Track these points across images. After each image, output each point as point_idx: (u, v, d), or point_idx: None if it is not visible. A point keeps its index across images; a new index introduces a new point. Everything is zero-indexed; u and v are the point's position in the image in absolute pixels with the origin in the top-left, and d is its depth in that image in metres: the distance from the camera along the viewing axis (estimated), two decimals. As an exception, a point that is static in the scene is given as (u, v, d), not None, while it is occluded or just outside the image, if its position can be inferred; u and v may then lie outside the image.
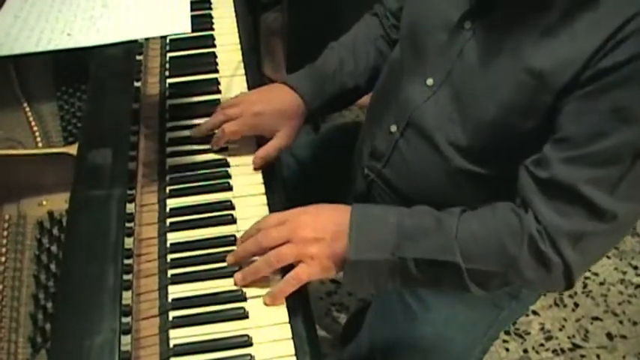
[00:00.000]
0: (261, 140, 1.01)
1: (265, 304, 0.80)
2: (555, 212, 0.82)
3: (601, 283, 1.95)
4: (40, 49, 0.84)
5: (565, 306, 1.89)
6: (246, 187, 0.95)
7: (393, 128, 1.01)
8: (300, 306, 0.81)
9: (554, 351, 1.79)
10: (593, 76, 0.78)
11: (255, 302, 0.81)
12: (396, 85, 1.02)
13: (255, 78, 1.13)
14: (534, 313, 1.86)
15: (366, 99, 1.17)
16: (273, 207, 0.92)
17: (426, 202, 0.95)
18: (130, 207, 0.82)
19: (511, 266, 0.84)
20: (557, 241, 0.82)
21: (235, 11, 1.25)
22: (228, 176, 0.96)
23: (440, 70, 0.94)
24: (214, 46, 1.17)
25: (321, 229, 0.84)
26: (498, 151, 0.89)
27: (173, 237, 0.87)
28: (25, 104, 0.99)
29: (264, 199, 0.93)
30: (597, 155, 0.79)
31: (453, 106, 0.93)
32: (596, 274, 1.97)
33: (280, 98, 1.04)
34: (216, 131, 0.99)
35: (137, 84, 1.03)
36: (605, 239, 0.86)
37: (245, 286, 0.82)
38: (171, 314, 0.79)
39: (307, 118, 1.06)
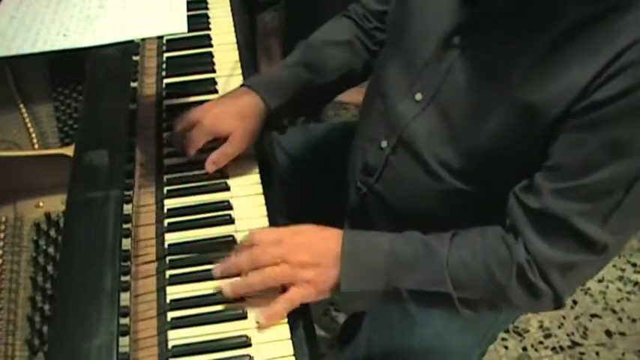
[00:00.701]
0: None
1: (257, 323, 0.78)
2: (545, 243, 0.81)
3: (600, 281, 1.95)
4: (37, 50, 0.83)
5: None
6: (244, 187, 0.94)
7: (384, 144, 0.98)
8: (299, 306, 0.81)
9: (553, 349, 1.79)
10: (588, 108, 0.75)
11: (253, 302, 0.81)
12: (385, 98, 0.99)
13: (252, 78, 1.13)
14: (532, 311, 1.86)
15: (361, 98, 1.16)
16: (270, 206, 0.92)
17: (418, 219, 0.94)
18: (127, 208, 0.82)
19: (500, 294, 0.83)
20: (546, 271, 0.81)
21: (232, 11, 1.25)
22: (226, 176, 0.95)
23: (429, 86, 0.91)
24: (211, 45, 1.17)
25: (318, 255, 0.83)
26: (488, 173, 0.87)
27: (171, 238, 0.87)
28: (22, 105, 0.99)
29: (261, 198, 0.93)
30: (590, 188, 0.77)
31: (442, 125, 0.90)
32: (594, 272, 1.97)
33: (239, 98, 1.00)
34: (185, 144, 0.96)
35: (134, 84, 1.03)
36: (594, 267, 0.86)
37: (236, 300, 0.80)
38: (170, 315, 0.79)
39: (271, 121, 1.02)
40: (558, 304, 0.85)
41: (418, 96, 0.93)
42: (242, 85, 1.04)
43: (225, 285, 0.80)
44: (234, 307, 0.80)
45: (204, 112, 0.97)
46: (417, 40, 0.93)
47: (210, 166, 0.94)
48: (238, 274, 0.82)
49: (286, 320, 0.79)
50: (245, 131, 0.96)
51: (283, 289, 0.82)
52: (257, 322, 0.78)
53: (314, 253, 0.83)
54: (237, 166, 0.97)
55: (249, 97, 1.00)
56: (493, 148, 0.85)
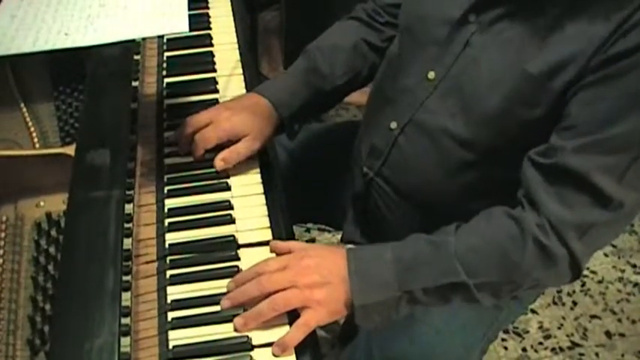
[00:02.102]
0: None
1: (274, 355, 0.76)
2: (560, 203, 0.81)
3: (599, 282, 1.95)
4: (37, 49, 0.83)
5: (563, 304, 1.89)
6: (245, 187, 0.94)
7: (393, 125, 1.00)
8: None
9: (552, 349, 1.79)
10: (604, 63, 0.77)
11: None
12: (395, 81, 1.01)
13: (253, 77, 1.13)
14: (533, 311, 1.86)
15: (362, 98, 1.16)
16: (271, 206, 0.92)
17: (425, 201, 0.96)
18: (128, 207, 0.82)
19: (516, 270, 0.83)
20: (563, 233, 0.81)
21: (233, 10, 1.25)
22: (227, 176, 0.95)
23: (442, 63, 0.93)
24: (212, 45, 1.17)
25: (327, 274, 0.82)
26: (501, 146, 0.89)
27: (172, 237, 0.87)
28: (22, 105, 0.99)
29: (262, 198, 0.93)
30: (608, 142, 0.78)
31: (454, 99, 0.92)
32: (594, 273, 1.97)
33: (253, 107, 1.01)
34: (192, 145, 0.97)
35: (135, 84, 1.03)
36: (610, 229, 0.85)
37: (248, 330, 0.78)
38: (171, 315, 0.79)
39: (281, 126, 1.04)
40: (576, 271, 0.85)
41: (431, 74, 0.94)
42: (253, 91, 1.04)
43: (237, 320, 0.78)
44: (235, 308, 0.80)
45: (217, 113, 0.98)
46: (429, 22, 0.95)
47: (219, 163, 0.94)
48: (244, 305, 0.80)
49: (287, 321, 0.79)
50: (259, 134, 0.98)
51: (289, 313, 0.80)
52: (273, 353, 0.76)
53: (322, 272, 0.82)
54: (237, 166, 0.96)
55: (262, 104, 1.02)
56: (506, 113, 0.86)
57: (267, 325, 0.78)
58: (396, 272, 0.83)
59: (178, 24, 0.86)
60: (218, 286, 0.82)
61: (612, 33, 0.77)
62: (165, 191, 0.92)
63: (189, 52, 1.16)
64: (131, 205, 0.84)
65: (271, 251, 0.86)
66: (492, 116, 0.88)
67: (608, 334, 1.83)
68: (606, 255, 2.01)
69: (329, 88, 1.10)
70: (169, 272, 0.83)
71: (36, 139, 0.95)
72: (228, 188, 0.94)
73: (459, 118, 0.92)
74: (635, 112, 0.77)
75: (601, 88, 0.78)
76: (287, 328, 0.78)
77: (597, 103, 0.79)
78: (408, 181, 1.01)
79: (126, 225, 0.80)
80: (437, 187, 0.97)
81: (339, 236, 1.31)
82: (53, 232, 0.85)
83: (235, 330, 0.78)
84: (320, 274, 0.82)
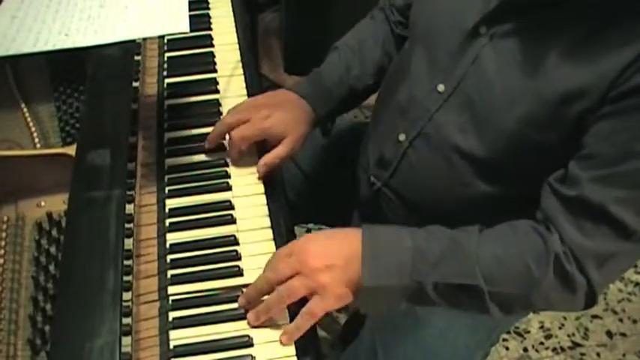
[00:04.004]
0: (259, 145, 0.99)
1: (282, 344, 0.77)
2: (580, 232, 0.80)
3: (600, 281, 1.95)
4: (38, 49, 0.83)
5: (565, 304, 1.89)
6: (246, 187, 0.94)
7: (402, 137, 0.98)
8: (300, 306, 0.81)
9: (554, 349, 1.79)
10: (623, 95, 0.76)
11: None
12: (404, 91, 0.99)
13: (254, 77, 1.13)
14: (534, 311, 1.86)
15: (369, 99, 1.16)
16: (272, 206, 0.92)
17: (435, 213, 0.93)
18: (129, 208, 0.82)
19: (535, 288, 0.82)
20: (583, 262, 0.80)
21: (233, 11, 1.25)
22: (228, 176, 0.95)
23: (452, 77, 0.91)
24: (212, 45, 1.17)
25: (332, 256, 0.80)
26: (513, 164, 0.87)
27: (172, 237, 0.87)
28: (23, 105, 0.99)
29: (263, 198, 0.93)
30: (628, 175, 0.77)
31: (466, 116, 0.90)
32: (595, 272, 1.97)
33: (289, 104, 1.01)
34: (225, 142, 0.97)
35: (135, 84, 1.03)
36: (628, 259, 0.85)
37: (259, 325, 0.78)
38: (172, 315, 0.79)
39: (315, 124, 1.05)
40: (592, 300, 0.84)
41: (440, 87, 0.92)
42: (289, 89, 1.05)
43: (249, 316, 0.78)
44: (235, 307, 0.80)
45: (255, 110, 0.97)
46: (441, 32, 0.93)
47: (262, 168, 0.94)
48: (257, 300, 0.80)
49: (288, 321, 0.79)
50: (297, 135, 0.98)
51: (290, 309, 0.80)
52: (281, 342, 0.77)
53: (327, 255, 0.80)
54: (239, 165, 0.97)
55: (299, 104, 1.02)
56: (519, 134, 0.85)
57: (268, 323, 0.78)
58: (413, 260, 0.81)
59: (179, 24, 0.86)
60: (219, 285, 0.82)
61: (632, 63, 0.75)
62: (166, 191, 0.93)
63: (190, 52, 1.16)
64: (132, 205, 0.84)
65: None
66: (504, 136, 0.86)
67: (609, 333, 1.83)
68: (607, 255, 2.01)
69: (360, 88, 1.10)
70: (170, 272, 0.83)
71: (37, 140, 0.95)
72: (229, 188, 0.94)
73: (470, 135, 0.90)
74: None
75: (620, 121, 0.77)
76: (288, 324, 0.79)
77: (616, 135, 0.77)
78: (416, 194, 0.99)
79: (127, 225, 0.80)
80: (446, 201, 0.95)
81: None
82: (54, 232, 0.85)
83: (248, 324, 0.78)
84: (323, 256, 0.80)
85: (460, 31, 0.89)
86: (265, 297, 0.79)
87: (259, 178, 0.94)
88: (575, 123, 0.80)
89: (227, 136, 0.97)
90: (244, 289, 0.81)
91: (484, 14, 0.87)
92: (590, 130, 0.79)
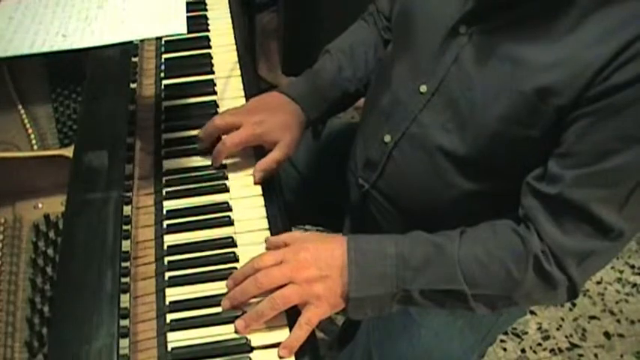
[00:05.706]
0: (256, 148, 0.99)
1: (280, 357, 0.76)
2: (560, 230, 0.81)
3: (598, 282, 1.96)
4: (35, 50, 0.83)
5: (562, 305, 1.89)
6: (243, 189, 0.94)
7: (387, 138, 0.98)
8: (298, 308, 0.81)
9: (551, 350, 1.79)
10: (602, 95, 0.76)
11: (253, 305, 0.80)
12: (388, 93, 1.00)
13: (251, 79, 1.13)
14: (532, 312, 1.86)
15: (361, 100, 1.16)
16: (270, 208, 0.92)
17: (423, 214, 0.95)
18: (126, 209, 0.82)
19: (516, 289, 0.83)
20: (562, 260, 0.81)
21: (231, 12, 1.25)
22: (225, 178, 0.95)
23: (434, 77, 0.91)
24: (210, 47, 1.17)
25: (325, 267, 0.81)
26: (497, 162, 0.88)
27: (170, 239, 0.87)
28: (20, 106, 0.99)
29: (261, 200, 0.93)
30: (607, 174, 0.78)
31: (449, 115, 0.90)
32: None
33: (281, 108, 1.01)
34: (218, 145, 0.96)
35: (133, 85, 1.02)
36: (608, 255, 0.86)
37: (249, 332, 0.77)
38: (169, 317, 0.79)
39: (306, 126, 1.05)
40: (574, 294, 0.85)
41: (423, 88, 0.93)
42: (277, 91, 1.05)
43: (238, 323, 0.77)
44: (234, 309, 0.80)
45: (248, 115, 0.97)
46: (421, 33, 0.94)
47: (258, 174, 0.94)
48: (244, 304, 0.79)
49: (286, 322, 0.79)
50: (291, 139, 0.98)
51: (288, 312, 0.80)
52: (279, 355, 0.76)
53: (320, 266, 0.81)
54: (236, 167, 0.96)
55: (291, 108, 1.02)
56: (502, 132, 0.85)
57: (266, 325, 0.78)
58: (397, 269, 0.82)
59: (176, 26, 0.86)
60: (217, 287, 0.82)
61: (610, 61, 0.75)
62: (164, 193, 0.92)
63: (188, 54, 1.16)
64: (129, 206, 0.84)
65: (267, 248, 0.86)
66: (487, 134, 0.86)
67: (607, 334, 1.83)
68: (605, 256, 2.01)
69: (353, 90, 1.10)
70: (168, 274, 0.83)
71: (34, 141, 0.95)
72: (226, 190, 0.94)
73: (453, 134, 0.90)
74: (632, 145, 0.76)
75: (599, 120, 0.77)
76: (286, 327, 0.78)
77: (595, 134, 0.77)
78: (404, 194, 0.99)
79: (124, 227, 0.80)
80: (433, 200, 0.96)
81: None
82: (51, 234, 0.85)
83: (236, 332, 0.77)
84: (317, 267, 0.80)
85: (440, 31, 0.90)
86: (253, 300, 0.79)
87: (256, 184, 0.94)
88: (555, 119, 0.81)
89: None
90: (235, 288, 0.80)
91: (463, 13, 0.88)
92: (570, 129, 0.80)
